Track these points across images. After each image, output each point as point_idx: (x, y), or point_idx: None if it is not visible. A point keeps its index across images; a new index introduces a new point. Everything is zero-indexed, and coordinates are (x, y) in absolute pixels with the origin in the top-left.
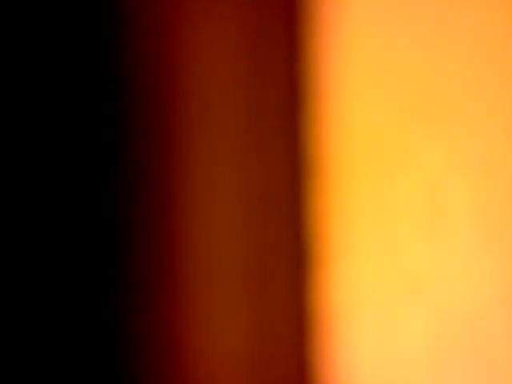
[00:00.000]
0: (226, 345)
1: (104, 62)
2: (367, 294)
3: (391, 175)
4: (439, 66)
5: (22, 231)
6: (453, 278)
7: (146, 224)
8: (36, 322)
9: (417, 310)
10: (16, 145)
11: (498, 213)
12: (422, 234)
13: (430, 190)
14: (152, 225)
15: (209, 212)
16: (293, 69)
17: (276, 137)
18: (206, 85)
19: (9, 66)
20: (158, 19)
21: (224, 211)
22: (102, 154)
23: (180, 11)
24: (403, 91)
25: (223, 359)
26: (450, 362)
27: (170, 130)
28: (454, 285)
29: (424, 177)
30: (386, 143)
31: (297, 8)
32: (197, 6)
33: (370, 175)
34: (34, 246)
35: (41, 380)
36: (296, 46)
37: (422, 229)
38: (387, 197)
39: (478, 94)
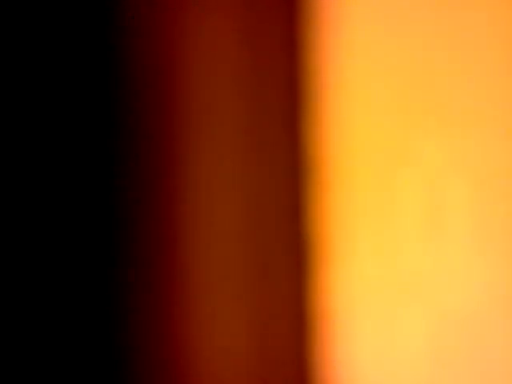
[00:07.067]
0: (226, 345)
1: (104, 62)
2: (367, 293)
3: (391, 175)
4: (439, 66)
5: (21, 230)
6: (453, 277)
7: (146, 223)
8: (35, 321)
9: (417, 309)
10: (16, 143)
11: (497, 212)
12: (422, 234)
13: (429, 189)
14: (152, 224)
15: (209, 211)
16: (293, 68)
17: (276, 136)
18: (205, 85)
19: (8, 65)
20: (158, 18)
21: (224, 211)
22: (102, 153)
23: (180, 10)
24: (403, 91)
25: (223, 359)
26: (450, 362)
27: (170, 130)
28: (454, 284)
29: (424, 177)
30: (386, 143)
31: (297, 8)
32: (197, 5)
33: (370, 175)
34: (34, 247)
35: (41, 380)
36: (296, 46)
37: (422, 228)
38: (387, 197)
39: (479, 93)
